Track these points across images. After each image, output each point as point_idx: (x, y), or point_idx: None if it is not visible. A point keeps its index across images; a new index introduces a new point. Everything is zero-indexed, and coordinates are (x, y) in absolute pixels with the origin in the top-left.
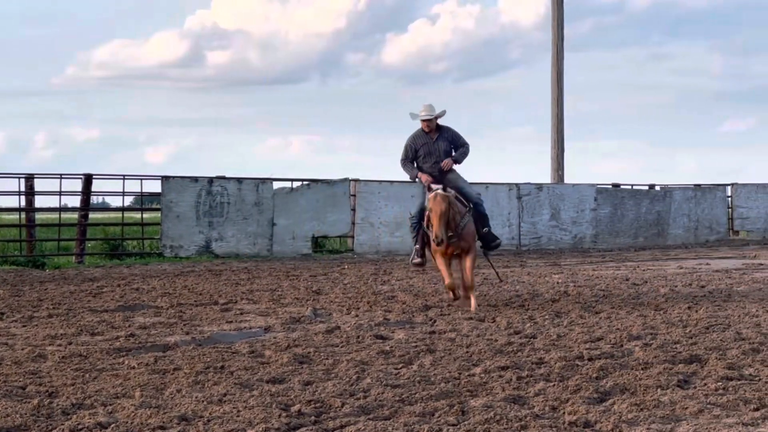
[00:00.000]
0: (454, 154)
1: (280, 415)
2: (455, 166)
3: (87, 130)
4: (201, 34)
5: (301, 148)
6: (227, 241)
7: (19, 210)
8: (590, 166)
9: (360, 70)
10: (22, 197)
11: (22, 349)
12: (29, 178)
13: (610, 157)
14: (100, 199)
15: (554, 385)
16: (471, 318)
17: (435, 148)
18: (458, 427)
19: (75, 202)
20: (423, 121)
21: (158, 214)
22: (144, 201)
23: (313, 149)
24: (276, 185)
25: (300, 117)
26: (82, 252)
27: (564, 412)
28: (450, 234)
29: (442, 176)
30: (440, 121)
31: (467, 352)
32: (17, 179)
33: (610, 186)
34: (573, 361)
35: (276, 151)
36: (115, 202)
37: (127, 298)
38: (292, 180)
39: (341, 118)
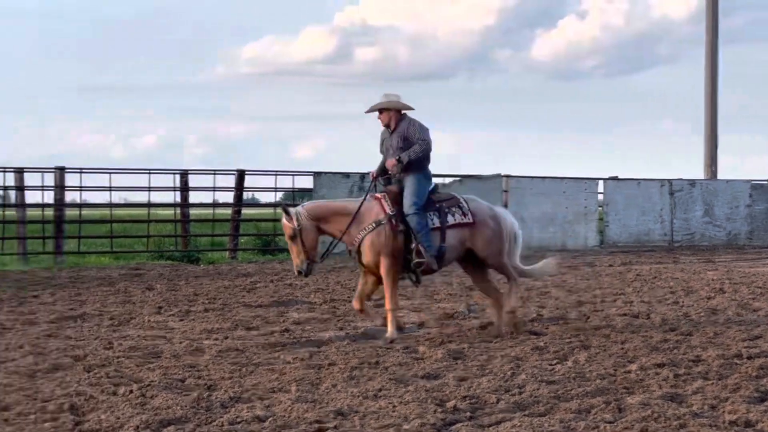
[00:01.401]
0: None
1: (435, 411)
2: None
3: (237, 127)
4: (350, 30)
5: (448, 145)
6: None
7: (174, 205)
8: (744, 161)
9: (508, 66)
10: (177, 193)
11: (180, 343)
12: (184, 174)
13: (765, 153)
14: (250, 195)
15: (712, 383)
16: (625, 314)
17: (390, 143)
18: (615, 424)
19: (227, 198)
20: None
21: None
22: (295, 196)
23: (461, 146)
24: None
25: (448, 113)
26: (235, 247)
27: (723, 411)
28: (350, 248)
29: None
30: (411, 115)
31: (622, 348)
32: (172, 175)
33: (766, 182)
34: (731, 360)
35: None
36: (265, 198)
37: (281, 293)
38: (444, 176)
39: (489, 114)
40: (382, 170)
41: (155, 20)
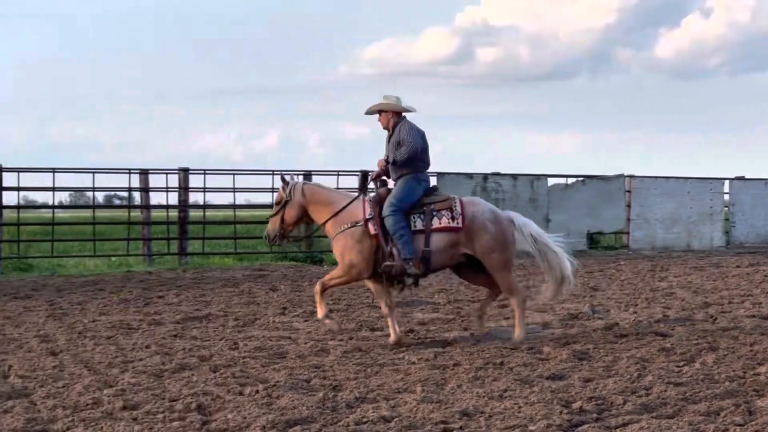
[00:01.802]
0: None
1: (561, 412)
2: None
3: (358, 128)
4: (471, 30)
5: (569, 145)
6: None
7: None
8: None
9: (630, 65)
10: None
11: (305, 344)
12: (307, 175)
13: None
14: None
15: None
16: (754, 316)
17: (388, 146)
18: (745, 427)
19: None
20: None
21: None
22: None
23: (582, 145)
24: (551, 181)
25: (569, 113)
26: None
27: None
28: None
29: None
30: (410, 117)
31: (751, 350)
32: (297, 175)
33: None
34: None
35: (544, 147)
36: None
37: (405, 294)
38: (566, 176)
39: (611, 114)
40: (381, 173)
41: (277, 22)
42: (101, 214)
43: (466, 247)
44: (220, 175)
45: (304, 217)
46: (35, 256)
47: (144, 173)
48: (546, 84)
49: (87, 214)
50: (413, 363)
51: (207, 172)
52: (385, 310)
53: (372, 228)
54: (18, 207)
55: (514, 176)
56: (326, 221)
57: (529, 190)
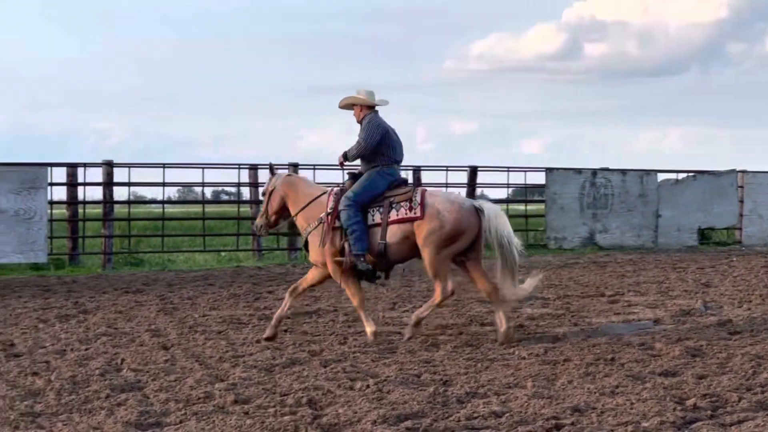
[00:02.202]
0: None
1: (674, 409)
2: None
3: (466, 123)
4: (579, 25)
5: (678, 140)
6: (611, 232)
7: None
8: None
9: (742, 60)
10: None
11: (415, 338)
12: (416, 171)
13: None
14: (479, 191)
15: None
16: None
17: None
18: None
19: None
20: None
21: (542, 206)
22: (527, 192)
23: (692, 141)
24: (660, 177)
25: (679, 108)
26: None
27: None
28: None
29: None
30: (381, 111)
31: None
32: (404, 171)
33: None
34: None
35: (653, 142)
36: (495, 194)
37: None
38: (677, 171)
39: (722, 109)
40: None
41: (384, 19)
42: (210, 209)
43: (415, 238)
44: (329, 170)
45: (284, 209)
46: (146, 251)
47: (253, 168)
48: (655, 79)
49: (196, 209)
50: (523, 358)
51: (317, 167)
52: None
53: (333, 223)
54: (128, 202)
55: (624, 171)
56: (296, 214)
57: (639, 185)
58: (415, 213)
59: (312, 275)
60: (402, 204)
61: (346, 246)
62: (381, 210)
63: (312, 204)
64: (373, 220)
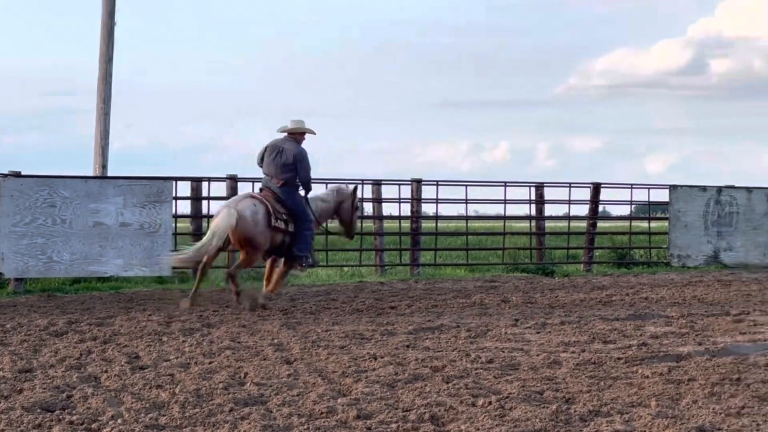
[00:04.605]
0: None
1: None
2: None
3: (589, 140)
4: (704, 42)
5: None
6: (736, 251)
7: (529, 218)
8: None
9: None
10: (533, 205)
11: (538, 355)
12: (539, 187)
13: None
14: (601, 208)
15: None
16: None
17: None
18: None
19: (580, 210)
20: None
21: (665, 224)
22: (651, 210)
23: None
24: None
25: None
26: (590, 260)
27: None
28: None
29: None
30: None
31: None
32: (527, 188)
33: None
34: None
35: None
36: (618, 210)
37: (637, 306)
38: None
39: None
40: None
41: (507, 33)
42: (333, 224)
43: None
44: (452, 186)
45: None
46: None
47: (377, 184)
48: None
49: None
50: (647, 377)
51: (440, 183)
52: None
53: None
54: None
55: (749, 189)
56: None
57: (765, 203)
58: None
59: None
60: None
61: None
62: None
63: None
64: None
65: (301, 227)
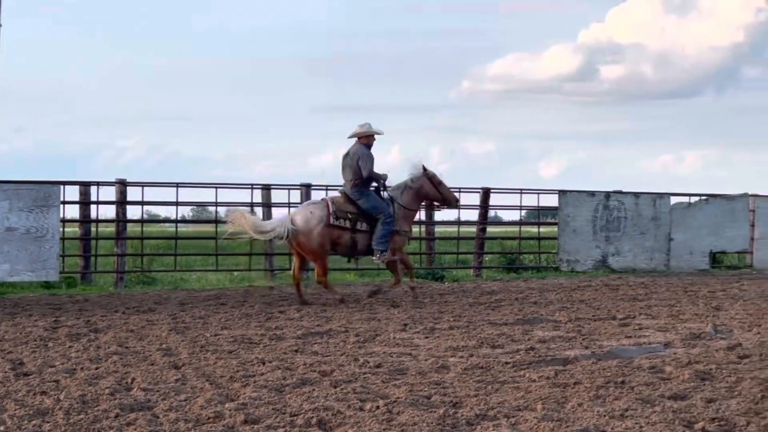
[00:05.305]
0: None
1: None
2: None
3: (481, 144)
4: (595, 48)
5: (694, 164)
6: (624, 255)
7: (419, 223)
8: None
9: (758, 84)
10: (422, 210)
11: (426, 360)
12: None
13: None
14: (493, 213)
15: None
16: None
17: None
18: None
19: (469, 215)
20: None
21: (555, 229)
22: (540, 215)
23: (706, 165)
24: (673, 200)
25: (693, 131)
26: (480, 265)
27: None
28: None
29: None
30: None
31: None
32: None
33: None
34: None
35: (668, 165)
36: (508, 216)
37: (525, 311)
38: (689, 195)
39: (737, 133)
40: None
41: (402, 38)
42: (223, 228)
43: None
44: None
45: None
46: (158, 270)
47: (266, 188)
48: (670, 102)
49: (209, 228)
50: (534, 381)
51: (329, 188)
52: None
53: None
54: (141, 221)
55: (637, 194)
56: None
57: (652, 208)
58: None
59: None
60: None
61: None
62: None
63: None
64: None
65: (377, 223)
